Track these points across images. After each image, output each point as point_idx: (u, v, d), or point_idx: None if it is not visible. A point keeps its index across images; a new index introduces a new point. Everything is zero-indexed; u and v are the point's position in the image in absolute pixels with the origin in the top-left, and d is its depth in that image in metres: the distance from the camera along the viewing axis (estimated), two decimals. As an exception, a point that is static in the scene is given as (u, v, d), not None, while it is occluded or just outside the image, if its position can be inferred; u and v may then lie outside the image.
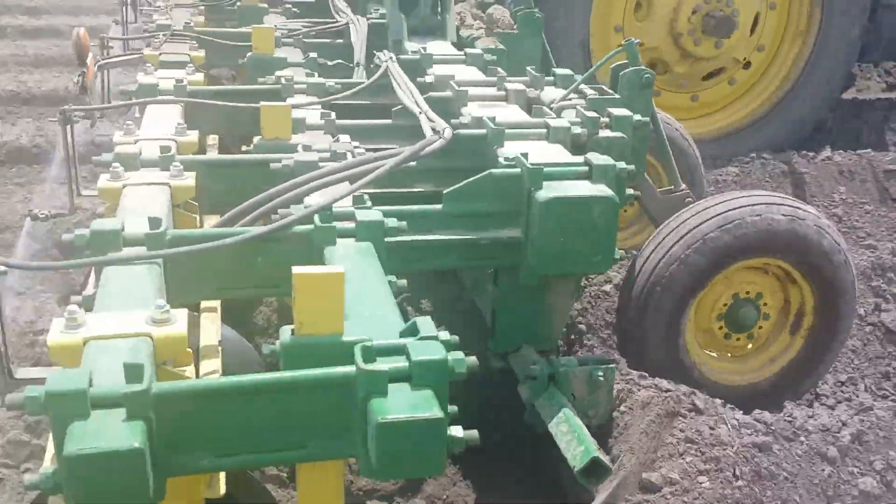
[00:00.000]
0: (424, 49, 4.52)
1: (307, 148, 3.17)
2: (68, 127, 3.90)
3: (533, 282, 2.91)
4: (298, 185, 2.83)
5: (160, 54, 4.63)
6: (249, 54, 4.61)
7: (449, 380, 1.93)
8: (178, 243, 2.50)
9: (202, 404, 1.86)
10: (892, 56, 7.78)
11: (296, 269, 1.96)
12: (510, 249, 2.88)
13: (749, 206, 3.63)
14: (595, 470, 2.53)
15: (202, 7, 6.07)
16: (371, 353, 1.91)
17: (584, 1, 6.22)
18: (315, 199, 2.76)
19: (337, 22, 5.27)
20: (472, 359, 1.96)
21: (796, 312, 3.93)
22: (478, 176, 2.84)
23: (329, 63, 4.73)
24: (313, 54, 4.68)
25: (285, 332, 2.00)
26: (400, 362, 1.92)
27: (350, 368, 1.91)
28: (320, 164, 3.06)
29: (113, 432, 1.74)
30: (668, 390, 3.07)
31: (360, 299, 2.28)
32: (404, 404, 1.86)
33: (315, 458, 1.98)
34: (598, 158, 2.88)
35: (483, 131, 3.23)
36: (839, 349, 4.00)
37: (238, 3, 5.88)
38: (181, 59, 4.58)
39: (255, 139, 3.33)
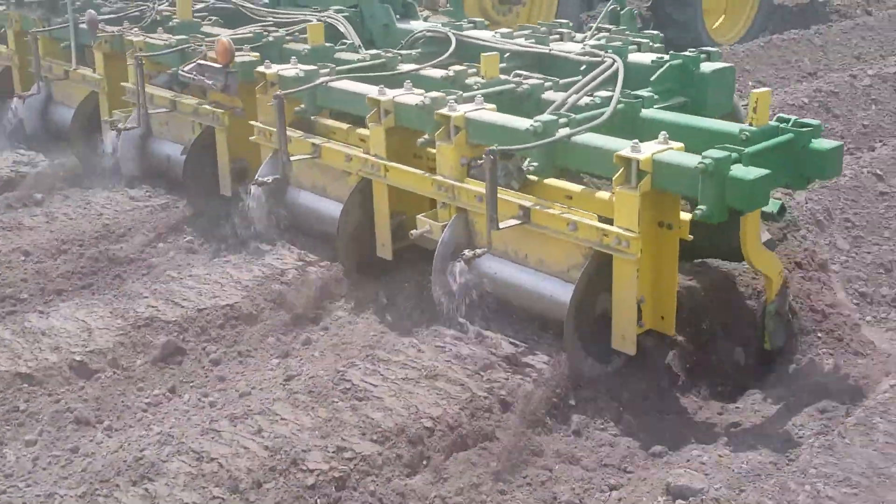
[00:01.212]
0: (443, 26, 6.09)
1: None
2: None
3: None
4: (576, 91, 4.50)
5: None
6: (308, 48, 5.80)
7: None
8: (578, 124, 4.10)
9: (755, 159, 3.62)
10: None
11: (755, 90, 3.78)
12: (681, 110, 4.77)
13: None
14: (781, 212, 4.54)
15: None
16: (793, 127, 3.81)
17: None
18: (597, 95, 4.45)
19: (307, 21, 6.46)
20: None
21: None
22: (664, 67, 4.71)
23: (356, 45, 6.02)
24: (350, 41, 5.99)
25: (747, 127, 3.81)
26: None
27: (789, 136, 3.79)
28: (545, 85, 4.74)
29: (752, 170, 3.48)
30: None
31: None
32: (829, 144, 3.79)
33: (780, 185, 3.84)
34: (709, 50, 4.90)
35: (610, 52, 5.07)
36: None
37: (174, 21, 6.81)
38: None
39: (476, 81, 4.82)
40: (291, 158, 5.03)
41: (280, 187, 5.37)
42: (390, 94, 4.73)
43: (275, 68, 5.37)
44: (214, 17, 7.01)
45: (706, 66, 4.77)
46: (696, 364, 4.13)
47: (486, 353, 4.02)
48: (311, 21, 6.39)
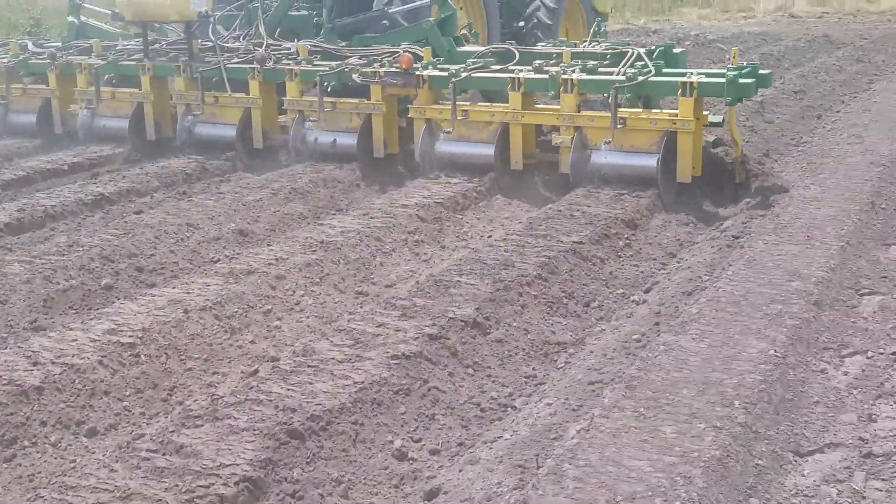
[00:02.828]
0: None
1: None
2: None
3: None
4: (625, 63, 8.52)
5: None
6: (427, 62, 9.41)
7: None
8: (644, 75, 8.11)
9: (745, 76, 7.78)
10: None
11: (732, 48, 7.95)
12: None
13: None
14: (722, 123, 8.76)
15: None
16: (749, 64, 8.04)
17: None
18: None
19: (392, 52, 9.99)
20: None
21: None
22: (657, 51, 8.78)
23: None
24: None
25: (729, 66, 7.94)
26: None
27: (750, 67, 7.98)
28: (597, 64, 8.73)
29: (748, 80, 7.66)
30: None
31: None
32: (766, 71, 8.05)
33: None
34: (672, 44, 9.05)
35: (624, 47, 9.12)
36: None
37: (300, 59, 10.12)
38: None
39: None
40: (459, 118, 8.66)
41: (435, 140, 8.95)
42: (522, 74, 8.52)
43: (425, 72, 8.98)
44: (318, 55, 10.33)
45: (676, 50, 8.98)
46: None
47: (184, 462, 3.94)
48: (397, 52, 9.92)
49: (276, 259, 6.57)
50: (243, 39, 10.99)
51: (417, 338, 5.10)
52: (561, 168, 8.45)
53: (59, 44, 12.27)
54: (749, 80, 7.73)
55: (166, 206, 8.12)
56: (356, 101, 9.41)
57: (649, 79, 8.07)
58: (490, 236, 7.34)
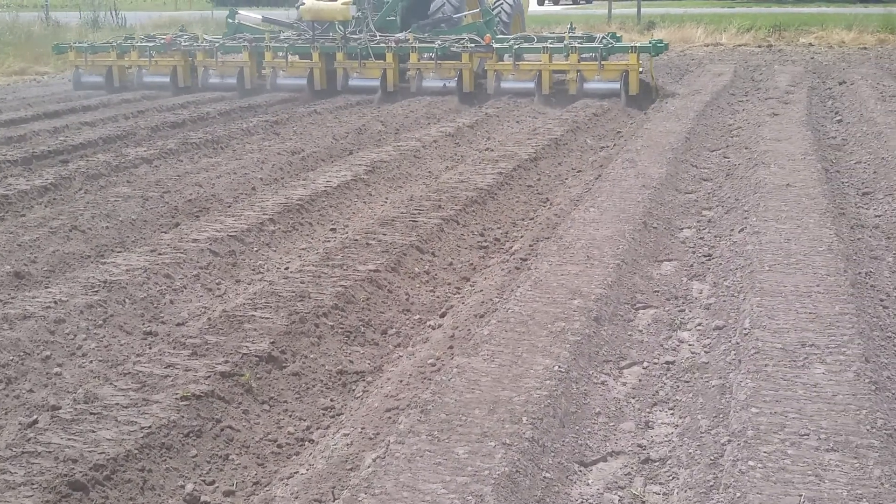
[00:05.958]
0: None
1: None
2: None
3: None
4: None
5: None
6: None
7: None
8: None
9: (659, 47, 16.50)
10: None
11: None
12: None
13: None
14: None
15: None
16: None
17: None
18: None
19: (461, 38, 18.23)
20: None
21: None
22: (610, 35, 17.31)
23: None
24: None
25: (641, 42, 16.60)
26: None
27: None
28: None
29: (657, 45, 16.41)
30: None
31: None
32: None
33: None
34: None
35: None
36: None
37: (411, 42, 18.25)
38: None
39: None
40: (518, 70, 16.99)
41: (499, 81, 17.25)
42: (548, 45, 16.95)
43: (496, 45, 17.25)
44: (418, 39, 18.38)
45: (618, 34, 17.65)
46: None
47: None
48: (463, 38, 18.20)
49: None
50: (359, 33, 18.93)
51: (209, 376, 4.95)
52: (569, 92, 16.86)
53: (221, 37, 19.80)
54: (662, 45, 16.45)
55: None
56: (454, 61, 17.62)
57: (615, 45, 16.72)
58: (287, 268, 7.19)
